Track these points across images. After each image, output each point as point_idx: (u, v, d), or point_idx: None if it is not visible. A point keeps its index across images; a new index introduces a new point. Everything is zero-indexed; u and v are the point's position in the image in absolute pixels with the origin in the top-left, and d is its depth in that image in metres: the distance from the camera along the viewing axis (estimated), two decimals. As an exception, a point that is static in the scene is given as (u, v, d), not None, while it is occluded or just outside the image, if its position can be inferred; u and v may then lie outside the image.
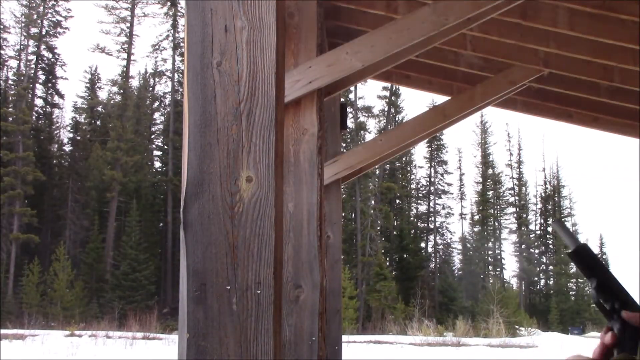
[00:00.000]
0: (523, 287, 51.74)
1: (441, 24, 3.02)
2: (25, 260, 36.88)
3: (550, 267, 52.50)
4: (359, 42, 3.03)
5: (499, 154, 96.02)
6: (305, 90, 2.81)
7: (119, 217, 42.12)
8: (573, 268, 50.49)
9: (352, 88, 46.01)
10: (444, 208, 53.98)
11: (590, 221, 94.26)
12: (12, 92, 43.30)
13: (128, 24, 48.07)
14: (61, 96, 48.77)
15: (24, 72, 45.90)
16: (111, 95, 49.57)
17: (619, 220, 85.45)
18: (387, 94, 50.84)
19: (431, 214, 53.08)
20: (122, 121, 44.03)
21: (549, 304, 47.14)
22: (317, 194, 2.71)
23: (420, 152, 59.80)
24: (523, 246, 52.42)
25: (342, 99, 6.18)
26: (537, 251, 54.16)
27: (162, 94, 51.55)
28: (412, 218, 53.21)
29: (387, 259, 47.50)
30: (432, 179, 54.15)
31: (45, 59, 47.52)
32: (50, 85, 48.08)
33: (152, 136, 50.84)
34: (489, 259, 53.59)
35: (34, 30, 46.46)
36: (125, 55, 47.76)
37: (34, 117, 45.91)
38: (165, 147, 48.73)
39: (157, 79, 51.27)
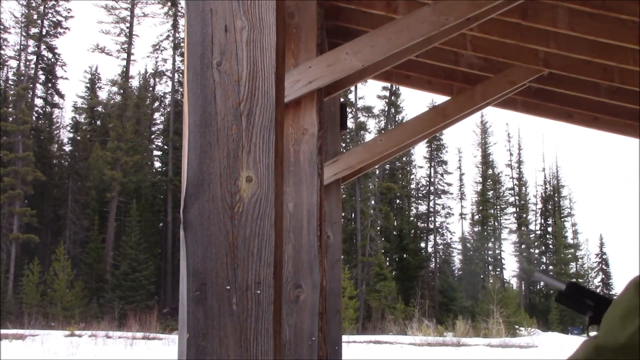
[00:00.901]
0: (523, 287, 51.73)
1: (441, 24, 3.02)
2: (25, 260, 36.86)
3: (550, 267, 52.46)
4: (359, 42, 3.03)
5: (499, 154, 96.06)
6: (305, 90, 2.81)
7: (119, 217, 42.11)
8: (573, 268, 50.54)
9: (352, 88, 46.01)
10: (444, 208, 53.99)
11: (590, 221, 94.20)
12: (12, 92, 43.29)
13: (128, 24, 48.08)
14: (61, 96, 48.79)
15: (24, 72, 45.89)
16: (111, 95, 49.61)
17: (619, 220, 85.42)
18: (387, 94, 50.82)
19: (431, 214, 53.07)
20: (122, 121, 44.02)
21: (549, 304, 47.11)
22: (317, 194, 2.71)
23: (420, 152, 59.85)
24: (523, 246, 52.40)
25: (342, 99, 6.19)
26: (537, 251, 54.14)
27: (162, 94, 51.59)
28: (412, 218, 53.19)
29: (387, 259, 47.49)
30: (432, 179, 54.16)
31: (45, 59, 47.51)
32: (50, 85, 48.08)
33: (152, 136, 50.84)
34: (489, 259, 53.59)
35: (34, 30, 46.45)
36: (125, 55, 47.75)
37: (34, 117, 45.90)
38: (165, 147, 48.73)
39: (157, 79, 51.29)
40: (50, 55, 47.65)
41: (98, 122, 48.35)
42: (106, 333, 25.26)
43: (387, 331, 33.84)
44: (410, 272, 46.12)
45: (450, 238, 53.88)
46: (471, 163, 76.03)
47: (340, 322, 4.78)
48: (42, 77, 47.75)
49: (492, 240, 53.35)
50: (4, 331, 23.63)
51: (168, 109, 49.13)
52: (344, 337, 11.83)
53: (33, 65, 46.80)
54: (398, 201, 53.36)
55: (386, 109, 51.67)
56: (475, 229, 53.12)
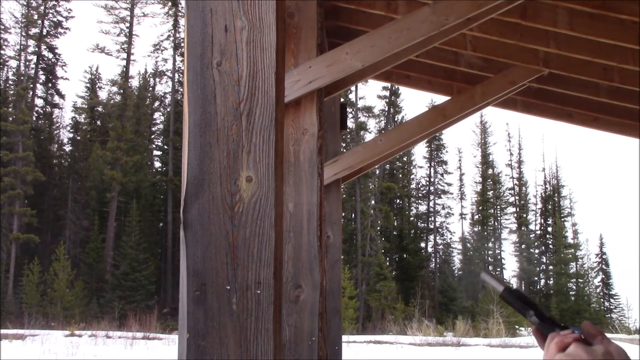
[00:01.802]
0: (523, 287, 51.70)
1: (441, 24, 3.02)
2: (25, 260, 36.85)
3: (550, 267, 52.43)
4: (359, 42, 3.03)
5: (499, 154, 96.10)
6: (305, 90, 2.81)
7: (119, 217, 42.10)
8: (573, 268, 50.51)
9: (352, 88, 46.02)
10: (444, 208, 53.97)
11: (590, 221, 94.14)
12: (12, 92, 43.29)
13: (128, 24, 48.07)
14: (61, 96, 48.78)
15: (24, 72, 45.90)
16: (111, 95, 49.61)
17: (619, 220, 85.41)
18: (387, 94, 50.82)
19: (431, 214, 53.06)
20: (122, 121, 44.02)
21: (549, 304, 47.10)
22: (317, 194, 2.71)
23: (420, 152, 59.83)
24: (523, 246, 52.39)
25: (342, 99, 6.18)
26: (537, 251, 54.11)
27: (162, 94, 51.60)
28: (412, 218, 53.19)
29: (387, 259, 47.48)
30: (432, 179, 54.15)
31: (45, 59, 47.51)
32: (50, 85, 48.08)
33: (152, 136, 50.83)
34: (489, 259, 53.57)
35: (34, 30, 46.46)
36: (125, 55, 47.74)
37: (34, 117, 45.91)
38: (165, 147, 48.72)
39: (157, 79, 51.30)
40: (50, 55, 47.68)
41: (98, 122, 48.34)
42: (106, 333, 25.25)
43: (387, 331, 33.83)
44: (410, 272, 46.13)
45: (450, 238, 53.90)
46: (471, 163, 76.01)
47: (340, 322, 4.78)
48: (42, 77, 47.76)
49: (492, 240, 53.36)
50: (4, 331, 23.63)
51: (168, 109, 49.13)
52: (344, 337, 11.83)
53: (33, 65, 46.82)
54: (398, 201, 53.36)
55: (386, 109, 51.67)
56: (475, 229, 53.11)
